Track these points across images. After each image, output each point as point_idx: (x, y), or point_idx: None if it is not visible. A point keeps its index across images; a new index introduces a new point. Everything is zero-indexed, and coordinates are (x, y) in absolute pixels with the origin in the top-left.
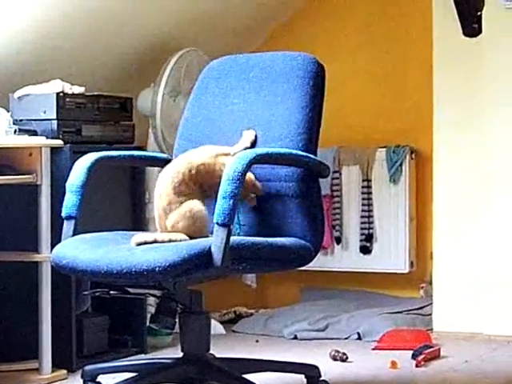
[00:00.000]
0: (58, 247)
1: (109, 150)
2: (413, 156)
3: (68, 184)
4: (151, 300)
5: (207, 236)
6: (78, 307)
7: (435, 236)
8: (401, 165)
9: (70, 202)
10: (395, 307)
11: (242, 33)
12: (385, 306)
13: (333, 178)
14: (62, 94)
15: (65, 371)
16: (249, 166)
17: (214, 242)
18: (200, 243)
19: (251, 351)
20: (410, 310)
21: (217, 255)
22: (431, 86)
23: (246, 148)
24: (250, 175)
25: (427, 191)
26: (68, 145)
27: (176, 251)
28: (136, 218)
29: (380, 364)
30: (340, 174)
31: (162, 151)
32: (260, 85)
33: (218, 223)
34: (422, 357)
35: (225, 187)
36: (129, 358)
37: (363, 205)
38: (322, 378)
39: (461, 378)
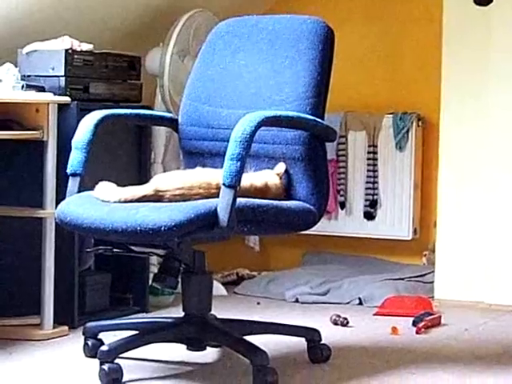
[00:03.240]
0: (62, 204)
1: (116, 108)
2: (419, 123)
3: (74, 141)
4: (154, 259)
5: None
6: (81, 264)
7: (439, 204)
8: (407, 132)
9: (75, 158)
10: (397, 274)
11: None
12: (387, 273)
13: (339, 143)
14: (70, 51)
15: (66, 328)
16: (257, 128)
17: (221, 203)
18: (206, 204)
19: (252, 313)
20: (412, 276)
21: (223, 216)
22: (440, 54)
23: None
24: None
25: (433, 159)
26: (75, 102)
27: (182, 211)
28: (141, 177)
29: (381, 330)
30: (346, 139)
31: (169, 111)
32: (268, 47)
33: (224, 184)
34: (422, 324)
35: (232, 149)
36: (130, 317)
37: (368, 171)
38: (322, 342)
39: (460, 346)
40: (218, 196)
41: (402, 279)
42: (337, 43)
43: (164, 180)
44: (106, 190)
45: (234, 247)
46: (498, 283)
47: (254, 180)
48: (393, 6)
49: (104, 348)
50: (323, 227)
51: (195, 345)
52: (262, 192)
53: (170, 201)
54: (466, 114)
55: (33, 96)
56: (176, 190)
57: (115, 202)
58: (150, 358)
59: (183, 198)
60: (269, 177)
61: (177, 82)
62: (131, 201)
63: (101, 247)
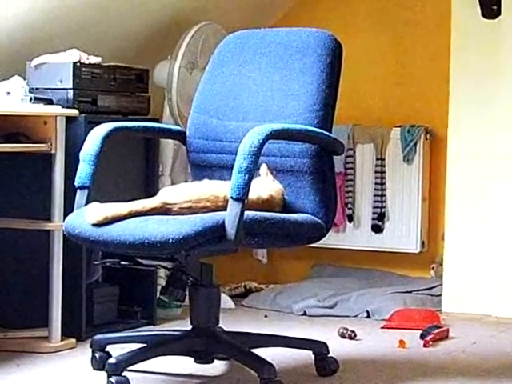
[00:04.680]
0: (70, 216)
1: (124, 121)
2: (427, 136)
3: (82, 153)
4: (162, 272)
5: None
6: (89, 277)
7: (447, 217)
8: (415, 145)
9: (83, 171)
10: (405, 287)
11: (260, 8)
12: (395, 286)
13: (347, 156)
14: (78, 64)
15: (74, 340)
16: (265, 141)
17: (228, 216)
18: (214, 217)
19: (260, 326)
20: (420, 290)
21: (230, 229)
22: (448, 67)
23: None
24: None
25: (441, 172)
26: (83, 114)
27: (190, 224)
28: (149, 190)
29: (388, 343)
30: (354, 152)
31: (177, 124)
32: (276, 60)
33: (232, 197)
34: (430, 337)
35: (240, 162)
36: (138, 329)
37: (376, 183)
38: (330, 355)
39: (469, 359)
40: (225, 208)
41: (410, 292)
42: (345, 56)
43: (171, 193)
44: (89, 210)
45: (242, 260)
46: (507, 296)
47: (261, 192)
48: (401, 19)
49: (111, 361)
50: (331, 240)
51: (203, 357)
52: (268, 204)
53: (178, 214)
54: (473, 126)
55: (41, 109)
56: (183, 203)
57: (96, 224)
58: (158, 371)
59: (190, 211)
60: (271, 187)
61: (185, 94)
62: (118, 218)
63: (108, 260)
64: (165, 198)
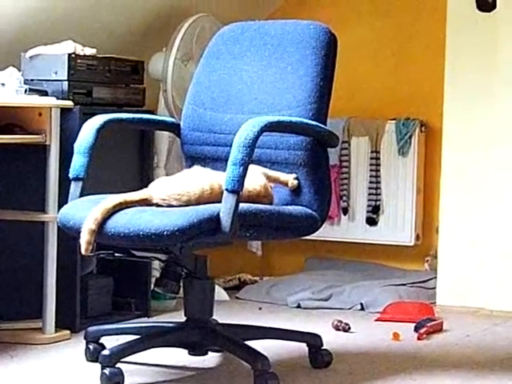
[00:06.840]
0: (64, 208)
1: (119, 112)
2: (422, 129)
3: (76, 145)
4: (156, 264)
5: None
6: (83, 268)
7: (442, 210)
8: (410, 137)
9: (77, 163)
10: (399, 279)
11: (255, 0)
12: (389, 278)
13: (342, 149)
14: (73, 55)
15: (68, 332)
16: (260, 133)
17: (223, 208)
18: (209, 209)
19: (254, 318)
20: (414, 282)
21: (225, 221)
22: (443, 60)
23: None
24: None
25: (435, 165)
26: (78, 106)
27: (185, 216)
28: (144, 182)
29: (382, 335)
30: (349, 145)
31: (172, 116)
32: (271, 52)
33: (227, 190)
34: (424, 330)
35: (235, 154)
36: (132, 321)
37: (371, 176)
38: (323, 347)
39: (462, 351)
40: (220, 200)
41: (404, 285)
42: (340, 48)
43: (162, 187)
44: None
45: (237, 252)
46: (500, 289)
47: (255, 185)
48: (396, 13)
49: (105, 352)
50: (326, 233)
51: (197, 349)
52: (260, 197)
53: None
54: (468, 119)
55: (36, 100)
56: (173, 200)
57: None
58: (152, 363)
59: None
60: (262, 180)
61: (180, 86)
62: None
63: (103, 252)
64: (152, 193)
